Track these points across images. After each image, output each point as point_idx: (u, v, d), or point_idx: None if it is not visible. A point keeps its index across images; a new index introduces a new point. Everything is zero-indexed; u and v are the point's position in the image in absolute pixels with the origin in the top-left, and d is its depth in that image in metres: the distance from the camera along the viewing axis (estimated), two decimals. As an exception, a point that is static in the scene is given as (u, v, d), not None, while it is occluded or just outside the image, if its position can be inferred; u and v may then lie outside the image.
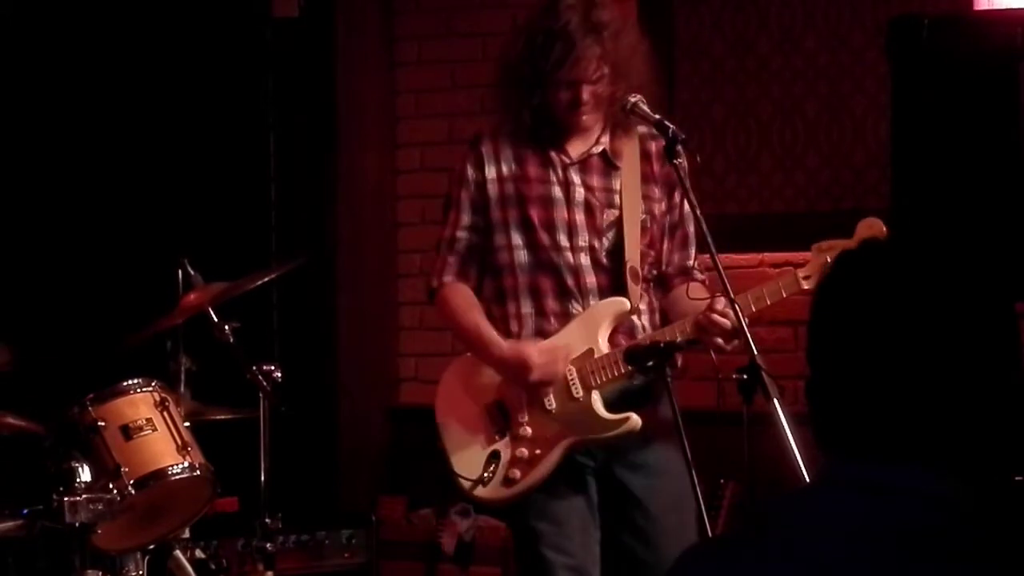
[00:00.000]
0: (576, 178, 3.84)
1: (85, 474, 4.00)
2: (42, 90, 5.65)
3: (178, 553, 4.42)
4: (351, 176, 6.18)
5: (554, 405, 3.79)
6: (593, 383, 3.77)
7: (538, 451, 3.79)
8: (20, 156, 5.58)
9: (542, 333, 3.81)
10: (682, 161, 3.67)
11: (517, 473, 3.79)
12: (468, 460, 3.85)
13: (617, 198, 3.84)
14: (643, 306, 3.85)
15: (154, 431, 4.20)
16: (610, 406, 3.77)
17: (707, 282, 3.91)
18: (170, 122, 5.90)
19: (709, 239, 3.57)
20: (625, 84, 3.74)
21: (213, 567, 4.69)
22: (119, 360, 4.39)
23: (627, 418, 3.74)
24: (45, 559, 4.05)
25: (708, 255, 3.63)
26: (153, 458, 4.18)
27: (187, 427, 4.29)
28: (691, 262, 3.93)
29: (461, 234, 3.89)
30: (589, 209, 3.82)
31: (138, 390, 4.26)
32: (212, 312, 4.37)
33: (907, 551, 1.49)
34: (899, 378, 1.54)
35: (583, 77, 3.72)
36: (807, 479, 3.14)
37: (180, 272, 4.48)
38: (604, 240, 3.82)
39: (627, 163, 3.86)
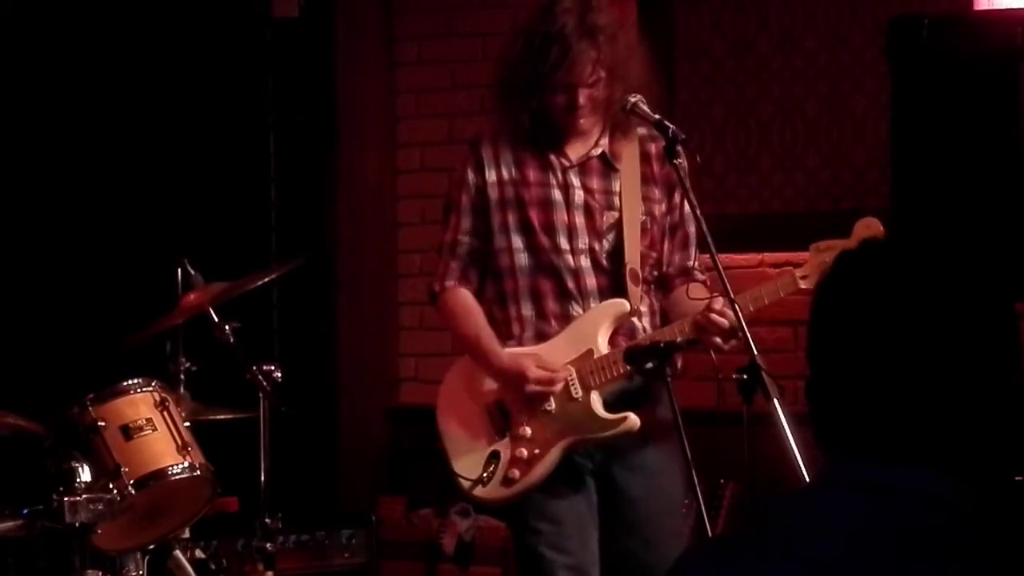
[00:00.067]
0: (575, 180, 3.84)
1: (85, 474, 4.00)
2: (42, 90, 5.65)
3: (178, 553, 4.42)
4: (351, 176, 6.18)
5: (553, 406, 3.79)
6: (592, 383, 3.77)
7: (537, 451, 3.79)
8: (20, 156, 5.58)
9: (543, 335, 3.82)
10: (682, 161, 3.68)
11: (516, 473, 3.80)
12: (468, 460, 3.85)
13: (617, 200, 3.84)
14: (644, 308, 3.85)
15: (154, 431, 4.20)
16: (608, 407, 3.78)
17: (708, 282, 3.91)
18: (170, 122, 5.90)
19: (709, 239, 3.57)
20: (622, 87, 3.74)
21: (213, 567, 4.69)
22: (119, 360, 4.39)
23: (625, 418, 3.75)
24: (45, 559, 4.05)
25: (708, 255, 3.64)
26: (153, 458, 4.18)
27: (187, 427, 4.29)
28: (691, 262, 3.93)
29: (462, 238, 3.89)
30: (589, 211, 3.83)
31: (138, 390, 4.26)
32: (212, 312, 4.37)
33: (907, 551, 1.49)
34: (899, 378, 1.54)
35: (579, 81, 3.73)
36: (807, 479, 3.14)
37: (180, 272, 4.49)
38: (604, 242, 3.82)
39: (627, 165, 3.86)
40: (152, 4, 5.90)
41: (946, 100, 4.68)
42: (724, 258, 3.66)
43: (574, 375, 3.78)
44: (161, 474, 4.18)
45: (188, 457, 4.21)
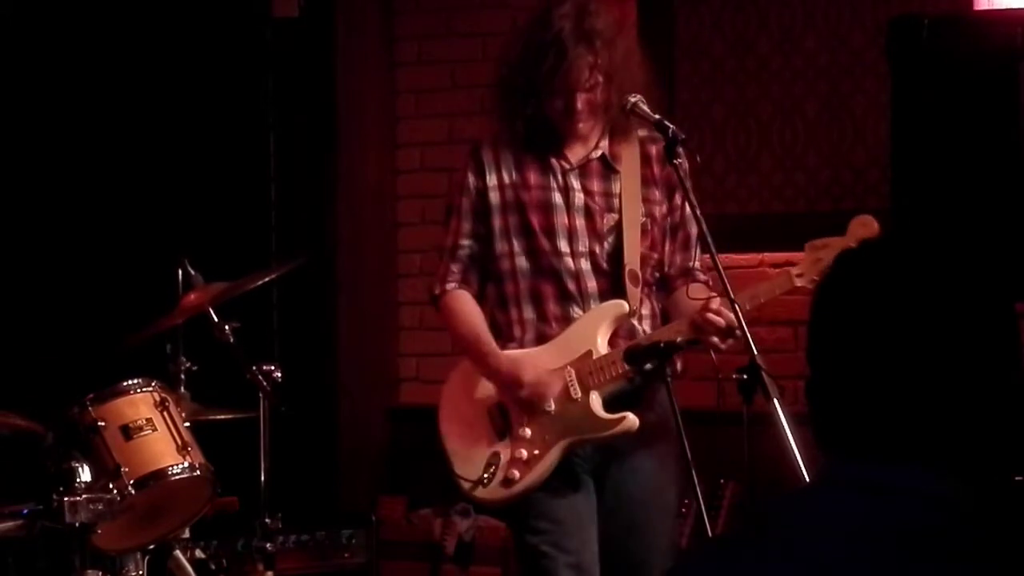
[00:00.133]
0: (576, 183, 3.85)
1: (85, 474, 3.99)
2: (42, 90, 5.65)
3: (178, 553, 4.42)
4: (351, 176, 6.18)
5: (552, 406, 3.80)
6: (592, 384, 3.78)
7: (536, 452, 3.80)
8: (20, 156, 5.58)
9: (544, 337, 3.83)
10: (682, 161, 3.68)
11: (516, 474, 3.81)
12: (469, 462, 3.86)
13: (617, 202, 3.85)
14: (644, 310, 3.86)
15: (154, 431, 4.20)
16: (606, 407, 3.79)
17: (710, 283, 3.91)
18: (170, 122, 5.90)
19: (709, 239, 3.58)
20: (621, 90, 3.75)
21: (213, 567, 4.69)
22: (119, 360, 4.39)
23: (624, 418, 3.75)
24: (45, 559, 4.05)
25: (708, 255, 3.64)
26: (153, 458, 4.18)
27: (187, 427, 4.29)
28: (692, 263, 3.93)
29: (463, 241, 3.90)
30: (589, 214, 3.83)
31: (138, 390, 4.26)
32: (212, 312, 4.37)
33: (907, 551, 1.49)
34: (899, 378, 1.54)
35: (576, 85, 3.73)
36: (807, 479, 3.14)
37: (180, 272, 4.48)
38: (604, 244, 3.83)
39: (627, 166, 3.87)
40: (152, 4, 5.90)
41: (946, 100, 4.68)
42: (724, 258, 3.66)
43: (573, 376, 3.79)
44: (161, 474, 4.18)
45: (188, 457, 4.21)
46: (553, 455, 3.79)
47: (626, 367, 3.72)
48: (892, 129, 4.94)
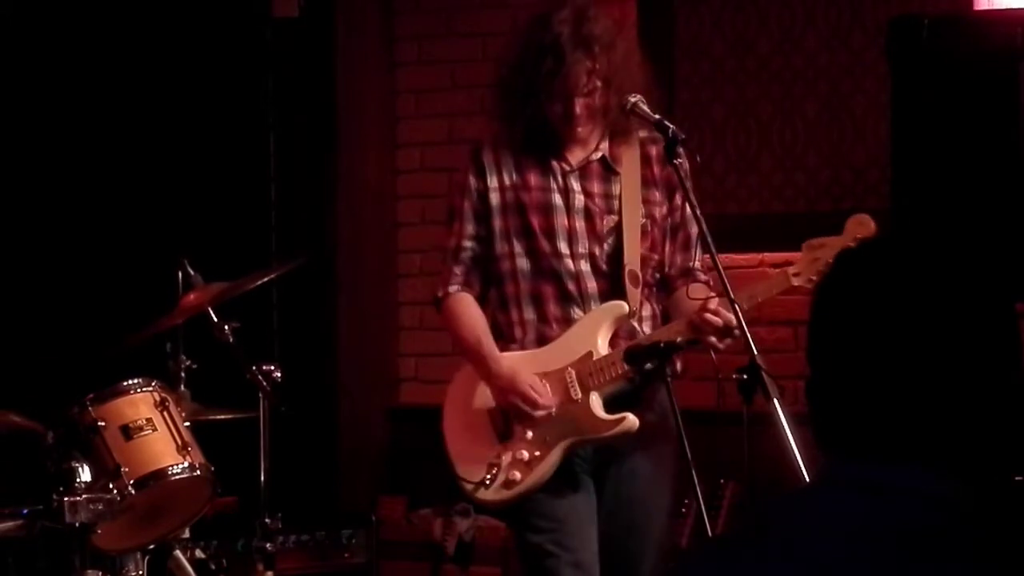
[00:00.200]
0: (576, 185, 3.85)
1: (85, 474, 4.00)
2: (42, 90, 5.65)
3: (178, 553, 4.42)
4: (351, 176, 6.18)
5: (553, 411, 3.80)
6: (592, 385, 3.78)
7: (537, 453, 3.80)
8: (20, 156, 5.58)
9: (544, 339, 3.84)
10: (682, 161, 3.69)
11: (517, 475, 3.81)
12: (471, 464, 3.87)
13: (617, 203, 3.85)
14: (645, 311, 3.86)
15: (154, 431, 4.20)
16: (606, 408, 3.79)
17: (710, 283, 3.92)
18: (170, 122, 5.90)
19: (709, 239, 3.58)
20: (620, 94, 3.75)
21: (213, 567, 4.69)
22: (119, 360, 4.39)
23: (624, 418, 3.76)
24: (45, 559, 4.05)
25: (708, 255, 3.65)
26: (153, 458, 4.18)
27: (187, 427, 4.29)
28: (693, 263, 3.93)
29: (465, 243, 3.91)
30: (589, 216, 3.84)
31: (138, 390, 4.26)
32: (212, 312, 4.37)
33: (907, 551, 1.49)
34: (899, 378, 1.54)
35: (574, 91, 3.74)
36: (807, 479, 3.14)
37: (180, 272, 4.48)
38: (604, 246, 3.84)
39: (627, 168, 3.87)
40: (152, 4, 5.90)
41: (946, 100, 4.68)
42: (724, 258, 3.66)
43: (574, 377, 3.79)
44: (161, 474, 4.18)
45: (188, 457, 4.21)
46: (554, 456, 3.80)
47: (626, 367, 3.72)
48: (892, 129, 4.94)
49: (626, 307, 3.79)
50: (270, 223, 6.15)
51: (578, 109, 3.76)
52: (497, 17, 5.84)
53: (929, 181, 4.73)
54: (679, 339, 3.67)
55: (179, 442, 4.22)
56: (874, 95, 5.38)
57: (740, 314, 3.51)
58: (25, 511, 3.99)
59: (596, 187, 3.86)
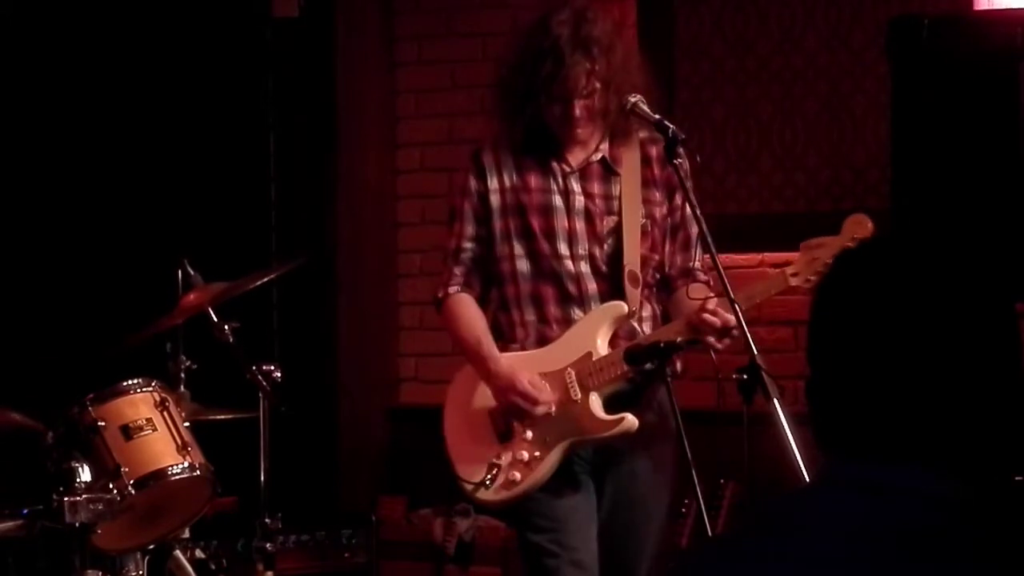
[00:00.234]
0: (576, 186, 3.85)
1: (85, 474, 3.99)
2: (42, 90, 5.65)
3: (178, 553, 4.42)
4: (351, 176, 6.18)
5: (551, 409, 3.80)
6: (591, 385, 3.78)
7: (537, 453, 3.81)
8: (20, 156, 5.58)
9: (545, 340, 3.84)
10: (682, 161, 3.69)
11: (517, 476, 3.82)
12: (471, 464, 3.87)
13: (616, 204, 3.86)
14: (645, 312, 3.86)
15: (154, 431, 4.20)
16: (606, 408, 3.79)
17: (711, 283, 3.92)
18: (170, 122, 5.90)
19: (709, 239, 3.58)
20: (619, 96, 3.76)
21: (213, 567, 4.69)
22: (119, 360, 4.39)
23: (623, 419, 3.76)
24: (45, 559, 4.05)
25: (708, 255, 3.65)
26: (153, 458, 4.18)
27: (187, 427, 4.29)
28: (693, 263, 3.94)
29: (465, 244, 3.91)
30: (589, 217, 3.84)
31: (138, 390, 4.26)
32: (212, 312, 4.37)
33: (907, 551, 1.49)
34: (899, 378, 1.54)
35: (573, 94, 3.74)
36: (807, 479, 3.14)
37: (180, 272, 4.48)
38: (604, 247, 3.84)
39: (627, 168, 3.87)
40: (152, 4, 5.90)
41: (946, 100, 4.68)
42: (724, 258, 3.66)
43: (573, 377, 3.80)
44: (161, 474, 4.18)
45: (188, 457, 4.21)
46: (554, 456, 3.80)
47: (626, 368, 3.72)
48: (892, 129, 4.94)
49: (625, 308, 3.80)
50: (270, 223, 6.15)
51: (577, 111, 3.76)
52: (497, 17, 5.84)
53: (929, 181, 4.73)
54: (679, 339, 3.67)
55: (179, 442, 4.22)
56: (874, 95, 5.38)
57: (740, 314, 3.51)
58: (25, 511, 3.99)
59: (596, 188, 3.87)
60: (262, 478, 4.44)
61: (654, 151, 3.87)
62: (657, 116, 3.72)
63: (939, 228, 4.58)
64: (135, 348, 4.39)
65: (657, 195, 3.89)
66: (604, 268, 3.84)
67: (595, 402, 3.78)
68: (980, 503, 1.52)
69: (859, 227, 3.58)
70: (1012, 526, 1.52)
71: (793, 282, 3.67)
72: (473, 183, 3.90)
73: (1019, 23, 4.63)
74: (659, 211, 3.89)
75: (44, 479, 4.00)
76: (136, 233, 5.71)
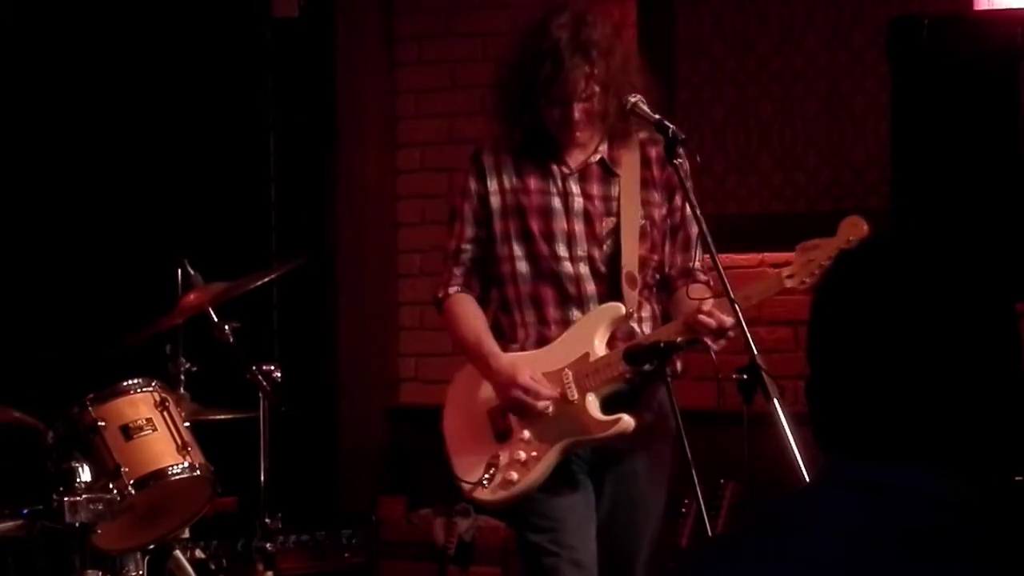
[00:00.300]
0: (575, 188, 3.86)
1: (85, 474, 3.99)
2: (42, 90, 5.65)
3: (178, 553, 4.42)
4: (351, 176, 6.18)
5: (551, 408, 3.81)
6: (588, 386, 3.79)
7: (535, 453, 3.81)
8: (20, 156, 5.58)
9: (544, 341, 3.85)
10: (682, 161, 3.69)
11: (515, 475, 3.82)
12: (469, 464, 3.88)
13: (615, 205, 3.86)
14: (644, 313, 3.87)
15: (154, 431, 4.20)
16: (604, 408, 3.80)
17: (711, 283, 3.92)
18: (170, 122, 5.90)
19: (709, 240, 3.58)
20: (619, 99, 3.76)
21: (213, 567, 4.69)
22: (119, 360, 4.39)
23: (619, 419, 3.77)
24: (45, 559, 4.05)
25: (708, 256, 3.65)
26: (153, 458, 4.18)
27: (187, 427, 4.29)
28: (693, 264, 3.94)
29: (465, 246, 3.92)
30: (588, 218, 3.84)
31: (138, 390, 4.26)
32: (212, 312, 4.37)
33: (907, 551, 1.49)
34: (899, 378, 1.54)
35: (572, 97, 3.74)
36: (807, 479, 3.14)
37: (180, 272, 4.48)
38: (603, 248, 3.84)
39: (627, 170, 3.87)
40: (152, 4, 5.90)
41: (946, 100, 4.68)
42: (724, 258, 3.66)
43: (571, 378, 3.80)
44: (161, 474, 4.18)
45: (188, 457, 4.21)
46: (551, 456, 3.80)
47: (624, 368, 3.73)
48: (892, 129, 4.94)
49: (623, 309, 3.80)
50: (270, 223, 6.16)
51: (576, 114, 3.77)
52: (497, 17, 5.84)
53: (929, 181, 4.73)
54: (679, 339, 3.67)
55: (179, 442, 4.22)
56: (874, 95, 5.38)
57: (739, 314, 3.51)
58: (25, 511, 3.99)
59: (595, 189, 3.87)
60: (262, 478, 4.44)
61: (654, 152, 3.87)
62: (657, 116, 3.72)
63: (939, 228, 4.57)
64: (135, 348, 4.39)
65: (656, 196, 3.89)
66: (603, 269, 3.84)
67: (592, 403, 3.79)
68: (980, 503, 1.52)
69: (855, 229, 3.58)
70: (1012, 526, 1.52)
71: (789, 283, 3.67)
72: (473, 184, 3.91)
73: (1019, 23, 4.64)
74: (658, 212, 3.89)
75: (44, 479, 4.00)
76: (136, 233, 5.71)
